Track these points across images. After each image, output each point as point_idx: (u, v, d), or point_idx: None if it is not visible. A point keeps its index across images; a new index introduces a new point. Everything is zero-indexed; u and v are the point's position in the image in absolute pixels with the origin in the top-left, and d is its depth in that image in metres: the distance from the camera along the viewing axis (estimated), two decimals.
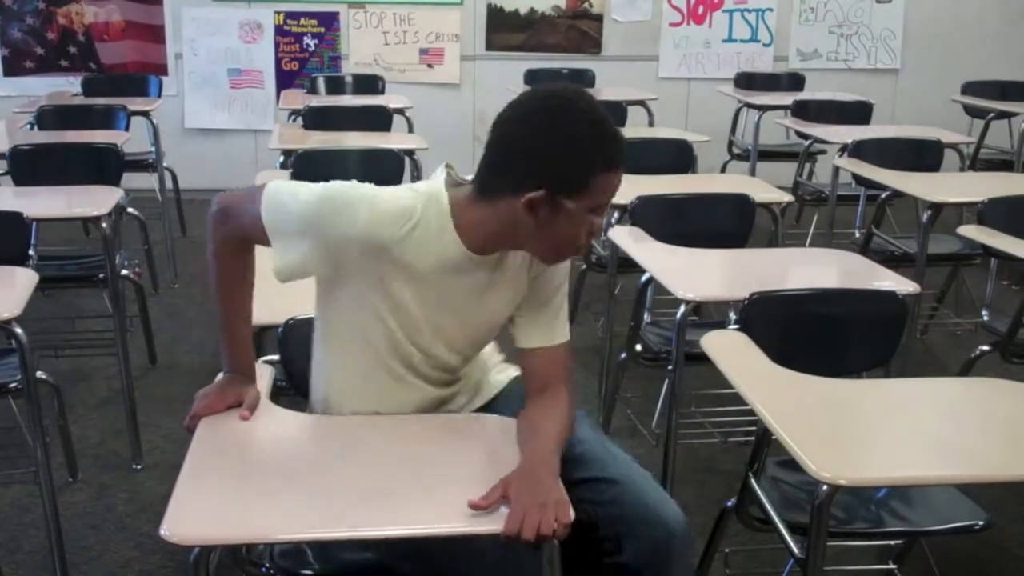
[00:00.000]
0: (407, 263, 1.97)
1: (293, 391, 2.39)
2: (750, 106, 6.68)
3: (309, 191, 1.95)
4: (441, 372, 2.16)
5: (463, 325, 2.10)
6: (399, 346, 2.07)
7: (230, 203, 2.04)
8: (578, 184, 1.88)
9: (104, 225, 3.68)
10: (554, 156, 1.87)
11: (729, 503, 2.50)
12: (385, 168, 4.44)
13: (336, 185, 1.97)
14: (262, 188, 1.98)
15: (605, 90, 7.05)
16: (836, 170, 5.10)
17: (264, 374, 2.27)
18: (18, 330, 2.73)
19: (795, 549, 2.15)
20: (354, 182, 1.98)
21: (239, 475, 1.85)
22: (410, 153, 4.69)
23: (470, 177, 2.01)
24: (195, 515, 1.70)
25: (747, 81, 7.39)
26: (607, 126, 1.89)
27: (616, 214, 3.82)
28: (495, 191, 1.94)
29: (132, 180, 4.89)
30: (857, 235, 5.01)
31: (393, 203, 1.96)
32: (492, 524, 1.72)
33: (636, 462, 2.11)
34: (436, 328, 2.08)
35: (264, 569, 2.08)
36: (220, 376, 2.15)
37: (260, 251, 2.06)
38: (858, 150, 4.97)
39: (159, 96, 6.50)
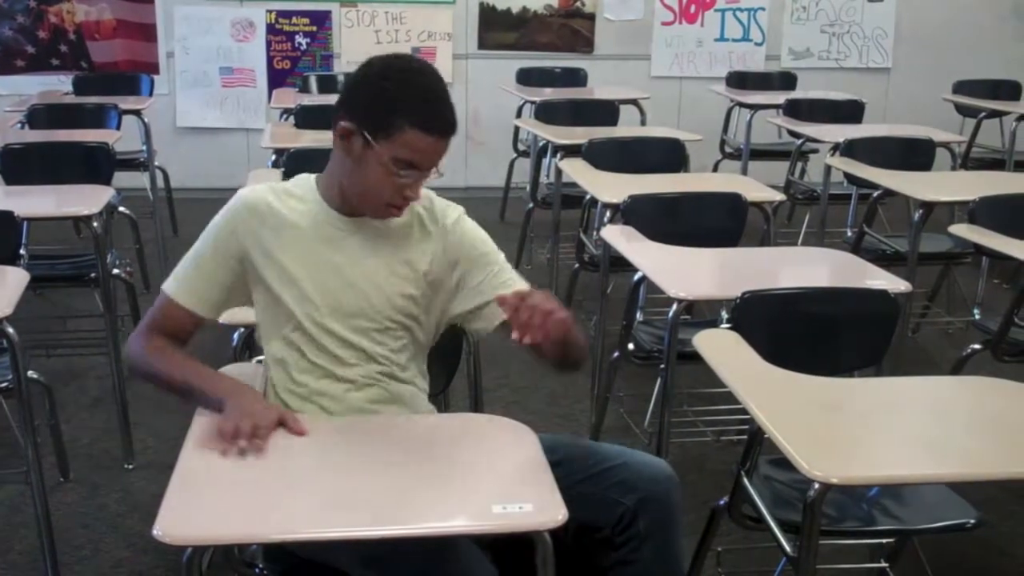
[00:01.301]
0: (285, 227, 2.16)
1: None
2: (742, 105, 6.68)
3: (192, 247, 2.22)
4: (357, 361, 2.20)
5: (355, 294, 2.17)
6: (304, 329, 2.16)
7: (134, 335, 2.22)
8: (384, 129, 2.05)
9: (95, 224, 3.67)
10: (368, 94, 2.09)
11: (721, 502, 2.50)
12: None
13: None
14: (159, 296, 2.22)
15: (597, 89, 7.06)
16: (828, 169, 5.11)
17: (257, 374, 2.27)
18: (9, 329, 2.73)
19: (787, 548, 2.15)
20: None
21: (232, 475, 1.85)
22: None
23: None
24: (188, 515, 1.70)
25: (739, 80, 7.40)
26: (430, 91, 2.09)
27: (608, 213, 3.82)
28: (333, 134, 2.14)
29: (123, 179, 4.89)
30: (849, 234, 5.02)
31: (255, 187, 2.22)
32: (489, 523, 1.72)
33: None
34: (328, 298, 2.16)
35: (257, 569, 2.08)
36: (228, 402, 2.04)
37: None
38: (850, 149, 4.97)
39: (150, 95, 6.50)
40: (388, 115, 2.05)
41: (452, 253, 2.26)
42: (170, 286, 2.19)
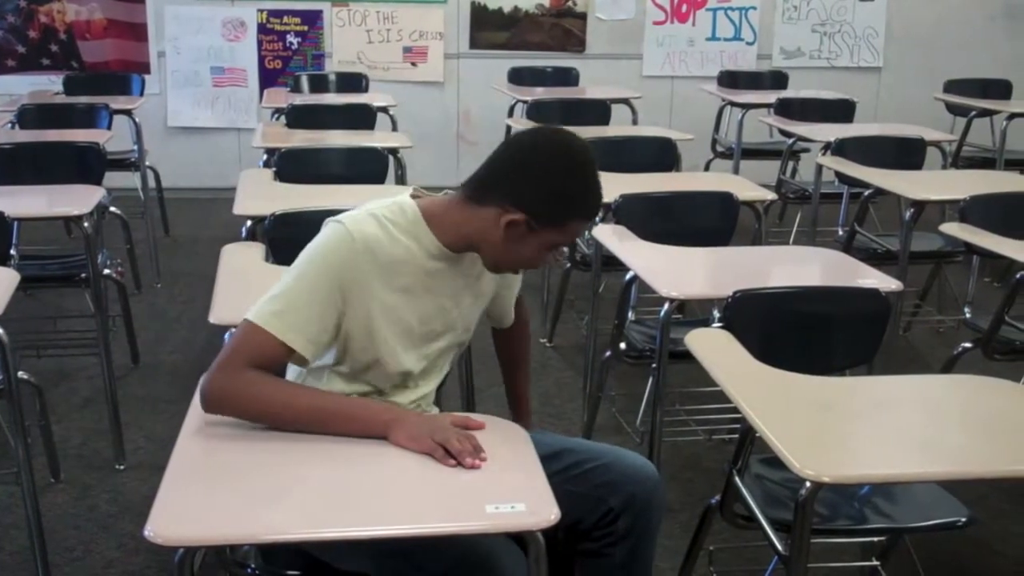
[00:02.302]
0: (393, 264, 2.08)
1: None
2: (733, 104, 6.69)
3: (291, 276, 2.04)
4: (415, 384, 2.24)
5: (443, 321, 2.20)
6: (387, 361, 2.14)
7: (221, 368, 1.99)
8: (555, 222, 2.08)
9: (86, 224, 3.66)
10: (547, 194, 2.05)
11: (713, 500, 2.50)
12: (369, 167, 4.42)
13: (309, 252, 2.07)
14: (242, 326, 2.01)
15: (589, 88, 7.06)
16: (819, 168, 5.11)
17: None
18: None
19: (779, 546, 2.15)
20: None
21: (224, 475, 1.84)
22: (394, 151, 4.68)
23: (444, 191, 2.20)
24: (179, 515, 1.69)
25: (730, 79, 7.40)
26: (597, 183, 2.10)
27: (600, 212, 3.82)
28: (484, 201, 2.08)
29: (114, 179, 4.88)
30: (840, 233, 5.03)
31: (359, 216, 2.10)
32: (482, 523, 1.72)
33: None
34: (424, 326, 2.16)
35: (249, 570, 2.08)
36: (404, 423, 1.99)
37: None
38: (841, 148, 4.98)
39: (141, 95, 6.48)
40: (563, 212, 2.07)
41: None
42: (273, 323, 1.99)
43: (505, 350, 2.63)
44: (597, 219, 3.81)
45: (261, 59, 7.61)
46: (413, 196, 2.16)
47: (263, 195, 3.86)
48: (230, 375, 1.98)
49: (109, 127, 5.37)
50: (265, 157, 4.60)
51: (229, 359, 1.99)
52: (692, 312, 4.24)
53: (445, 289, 2.18)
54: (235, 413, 1.99)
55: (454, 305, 2.21)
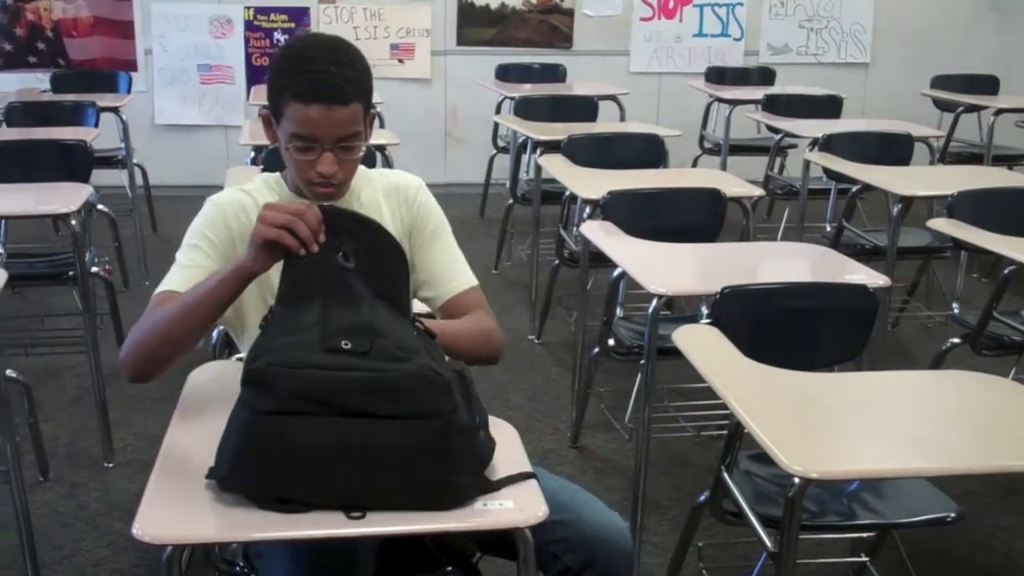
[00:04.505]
0: None
1: None
2: (721, 100, 6.69)
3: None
4: None
5: None
6: None
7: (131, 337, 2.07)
8: (278, 109, 2.09)
9: (73, 222, 3.65)
10: (269, 82, 2.10)
11: (702, 497, 2.50)
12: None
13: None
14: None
15: (576, 85, 7.07)
16: (807, 164, 5.12)
17: (236, 370, 2.25)
18: None
19: (768, 542, 2.15)
20: None
21: None
22: (381, 149, 4.68)
23: None
24: (167, 513, 1.69)
25: (718, 75, 7.42)
26: (305, 62, 2.04)
27: (588, 209, 3.83)
28: None
29: (102, 177, 4.86)
30: (828, 229, 5.04)
31: (224, 191, 2.23)
32: (471, 520, 1.72)
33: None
34: None
35: (237, 568, 2.07)
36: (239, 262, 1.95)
37: None
38: (828, 144, 4.99)
39: (128, 92, 6.47)
40: (277, 95, 2.07)
41: (411, 222, 2.28)
42: (165, 285, 2.12)
43: None
44: (587, 215, 3.82)
45: (248, 56, 7.59)
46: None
47: None
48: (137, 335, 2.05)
49: (96, 125, 5.36)
50: (252, 154, 4.58)
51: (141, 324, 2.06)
52: (680, 308, 4.24)
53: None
54: (140, 356, 2.05)
55: None
